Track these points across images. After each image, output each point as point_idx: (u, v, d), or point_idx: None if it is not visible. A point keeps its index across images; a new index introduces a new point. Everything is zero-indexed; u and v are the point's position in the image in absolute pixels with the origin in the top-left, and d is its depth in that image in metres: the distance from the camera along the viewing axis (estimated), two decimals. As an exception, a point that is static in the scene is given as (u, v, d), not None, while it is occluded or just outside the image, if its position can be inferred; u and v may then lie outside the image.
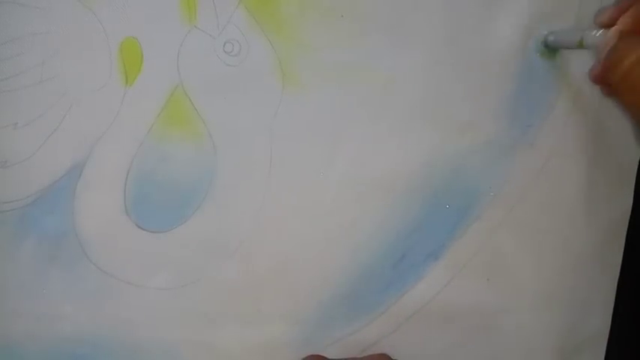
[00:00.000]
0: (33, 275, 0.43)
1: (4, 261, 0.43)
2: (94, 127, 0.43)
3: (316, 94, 0.43)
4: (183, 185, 0.43)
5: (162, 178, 0.43)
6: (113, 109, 0.42)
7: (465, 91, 0.44)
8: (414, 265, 0.45)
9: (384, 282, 0.45)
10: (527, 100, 0.45)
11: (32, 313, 0.43)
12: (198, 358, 0.44)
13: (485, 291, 0.45)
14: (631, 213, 0.46)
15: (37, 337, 0.43)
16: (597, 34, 0.38)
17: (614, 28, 0.37)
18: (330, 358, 0.43)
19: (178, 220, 0.44)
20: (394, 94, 0.44)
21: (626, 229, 0.46)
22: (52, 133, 0.42)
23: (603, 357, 0.47)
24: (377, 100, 0.44)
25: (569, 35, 0.42)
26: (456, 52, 0.44)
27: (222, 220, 0.44)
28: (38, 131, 0.42)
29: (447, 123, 0.44)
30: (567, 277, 0.46)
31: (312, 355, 0.43)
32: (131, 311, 0.42)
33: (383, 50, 0.43)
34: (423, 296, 0.45)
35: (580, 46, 0.40)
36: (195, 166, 0.43)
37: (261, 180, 0.43)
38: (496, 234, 0.45)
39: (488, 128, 0.45)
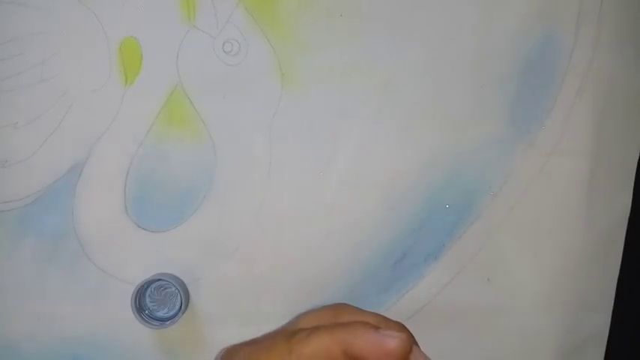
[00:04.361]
0: (33, 275, 0.43)
1: (4, 261, 0.43)
2: (93, 127, 0.43)
3: (316, 93, 0.43)
4: (182, 185, 0.43)
5: (162, 178, 0.43)
6: (113, 109, 0.42)
7: (464, 91, 0.44)
8: (414, 265, 0.45)
9: (384, 282, 0.45)
10: (527, 100, 0.45)
11: (32, 313, 0.43)
12: (198, 357, 0.44)
13: (486, 291, 0.45)
14: (631, 213, 0.46)
15: (36, 337, 0.43)
16: None
17: None
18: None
19: (178, 220, 0.44)
20: (394, 94, 0.44)
21: (625, 229, 0.46)
22: (52, 133, 0.43)
23: (603, 357, 0.47)
24: (376, 100, 0.44)
25: None
26: (456, 52, 0.44)
27: (221, 220, 0.44)
28: (38, 131, 0.42)
29: (447, 123, 0.44)
30: (567, 277, 0.46)
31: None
32: (131, 311, 0.41)
33: (382, 49, 0.43)
34: (423, 296, 0.45)
35: None
36: (195, 165, 0.43)
37: (260, 179, 0.43)
38: (496, 234, 0.45)
39: (488, 128, 0.45)
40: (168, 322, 0.42)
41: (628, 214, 0.46)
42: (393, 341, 0.33)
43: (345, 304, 0.39)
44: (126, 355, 0.44)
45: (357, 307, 0.39)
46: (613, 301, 0.47)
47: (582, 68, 0.44)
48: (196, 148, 0.43)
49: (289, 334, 0.35)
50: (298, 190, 0.44)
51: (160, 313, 0.43)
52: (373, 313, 0.38)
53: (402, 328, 0.36)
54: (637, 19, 0.45)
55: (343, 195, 0.44)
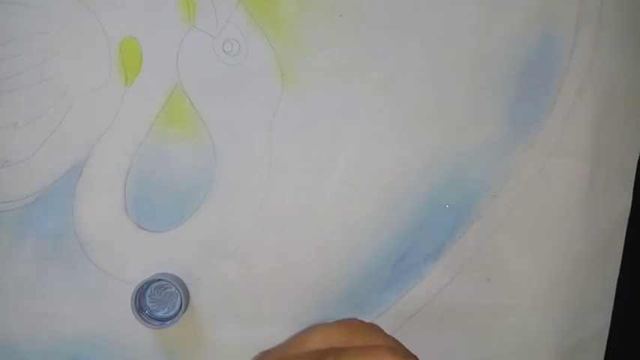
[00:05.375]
0: (33, 275, 0.43)
1: (4, 260, 0.43)
2: (93, 127, 0.43)
3: (315, 93, 0.43)
4: (182, 185, 0.43)
5: (162, 178, 0.43)
6: (113, 109, 0.42)
7: (465, 91, 0.44)
8: (414, 265, 0.45)
9: (384, 282, 0.45)
10: (527, 100, 0.45)
11: (32, 313, 0.43)
12: (198, 357, 0.44)
13: (485, 291, 0.45)
14: (631, 213, 0.46)
15: (36, 337, 0.43)
16: None
17: None
18: None
19: (178, 220, 0.44)
20: (394, 94, 0.44)
21: (625, 229, 0.46)
22: (52, 133, 0.43)
23: (603, 357, 0.47)
24: (376, 100, 0.44)
25: None
26: (456, 53, 0.44)
27: (221, 220, 0.44)
28: (38, 131, 0.42)
29: (447, 123, 0.44)
30: (567, 277, 0.46)
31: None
32: (131, 311, 0.42)
33: (382, 50, 0.43)
34: (423, 296, 0.45)
35: None
36: (195, 165, 0.43)
37: (260, 179, 0.44)
38: (496, 234, 0.45)
39: (488, 129, 0.45)
40: (168, 322, 0.42)
41: (628, 214, 0.46)
42: None
43: (359, 322, 0.39)
44: (126, 355, 0.44)
45: (370, 325, 0.39)
46: (613, 302, 0.47)
47: (582, 68, 0.44)
48: (196, 148, 0.43)
49: (314, 357, 0.35)
50: (298, 190, 0.44)
51: (160, 313, 0.43)
52: (386, 335, 0.38)
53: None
54: (637, 19, 0.45)
55: (343, 195, 0.44)
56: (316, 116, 0.43)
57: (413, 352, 0.36)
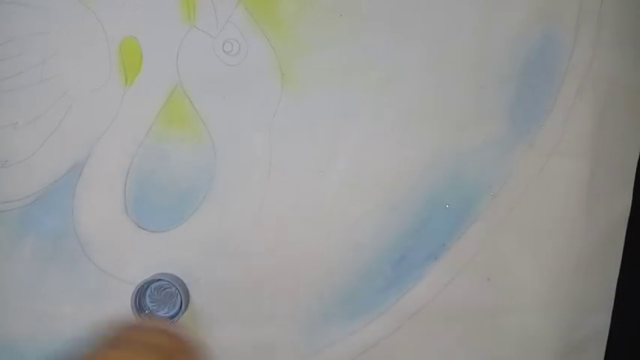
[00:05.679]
0: (33, 275, 0.43)
1: (5, 260, 0.43)
2: (93, 127, 0.43)
3: (315, 93, 0.43)
4: (182, 185, 0.43)
5: (162, 178, 0.43)
6: (113, 109, 0.43)
7: (465, 92, 0.44)
8: (414, 265, 0.45)
9: (384, 282, 0.45)
10: (527, 100, 0.45)
11: (32, 313, 0.43)
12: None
13: (486, 291, 0.45)
14: (631, 213, 0.46)
15: (36, 336, 0.43)
16: None
17: None
18: None
19: (178, 220, 0.44)
20: (394, 94, 0.44)
21: (625, 229, 0.46)
22: (52, 133, 0.43)
23: (603, 357, 0.47)
24: (376, 100, 0.44)
25: None
26: (456, 52, 0.44)
27: (222, 220, 0.44)
28: (38, 131, 0.42)
29: (447, 123, 0.44)
30: (567, 277, 0.46)
31: None
32: (131, 311, 0.42)
33: (382, 49, 0.43)
34: (423, 296, 0.45)
35: None
36: (195, 165, 0.43)
37: (260, 179, 0.44)
38: (496, 234, 0.45)
39: (488, 128, 0.45)
40: (168, 322, 0.42)
41: (628, 214, 0.46)
42: None
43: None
44: (126, 355, 0.44)
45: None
46: (613, 302, 0.47)
47: (582, 68, 0.44)
48: (196, 148, 0.43)
49: None
50: (298, 190, 0.44)
51: (160, 313, 0.43)
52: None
53: None
54: (637, 19, 0.45)
55: (343, 195, 0.44)
56: (316, 116, 0.43)
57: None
